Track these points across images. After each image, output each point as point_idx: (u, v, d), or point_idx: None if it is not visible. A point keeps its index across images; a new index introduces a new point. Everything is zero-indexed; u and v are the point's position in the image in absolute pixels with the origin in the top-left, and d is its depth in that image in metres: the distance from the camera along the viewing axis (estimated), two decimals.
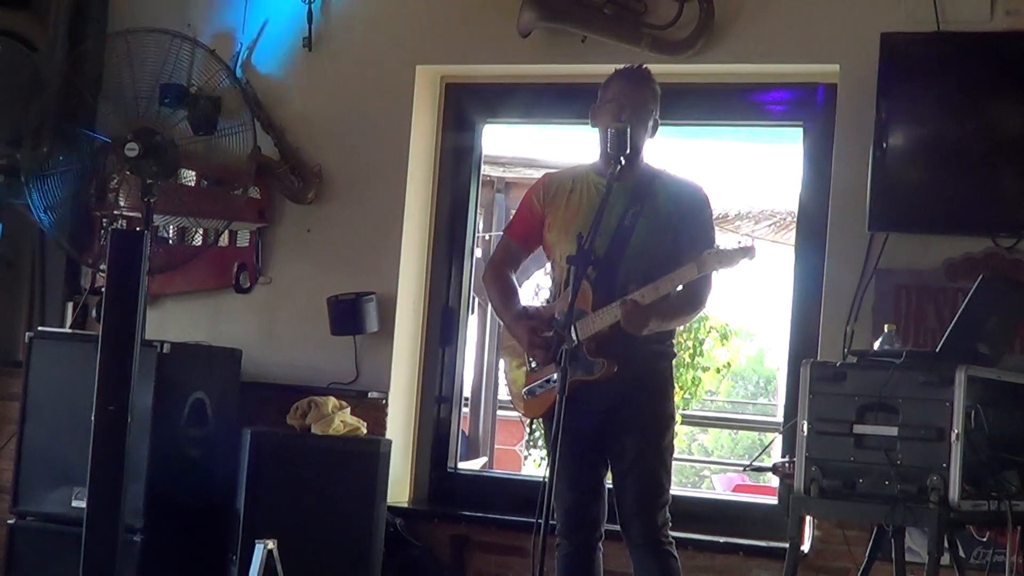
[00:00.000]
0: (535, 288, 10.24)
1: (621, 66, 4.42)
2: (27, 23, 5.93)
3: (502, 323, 4.58)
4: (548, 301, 4.42)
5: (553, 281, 4.43)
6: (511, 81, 5.79)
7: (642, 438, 4.23)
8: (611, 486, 4.33)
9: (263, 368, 5.66)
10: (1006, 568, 4.06)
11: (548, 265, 4.56)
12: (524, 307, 4.44)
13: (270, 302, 5.84)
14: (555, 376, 4.16)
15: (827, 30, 5.13)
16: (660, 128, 4.39)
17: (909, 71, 4.90)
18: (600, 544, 4.31)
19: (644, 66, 4.41)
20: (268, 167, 5.73)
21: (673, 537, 4.29)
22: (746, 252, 4.04)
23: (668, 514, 4.25)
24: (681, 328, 10.60)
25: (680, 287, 4.12)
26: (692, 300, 4.23)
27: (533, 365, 4.32)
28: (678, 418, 11.98)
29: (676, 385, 4.51)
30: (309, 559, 4.89)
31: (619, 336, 4.13)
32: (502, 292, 4.48)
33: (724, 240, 4.48)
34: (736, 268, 4.08)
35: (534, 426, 4.55)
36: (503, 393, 10.79)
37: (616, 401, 4.19)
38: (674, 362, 4.42)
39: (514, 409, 4.52)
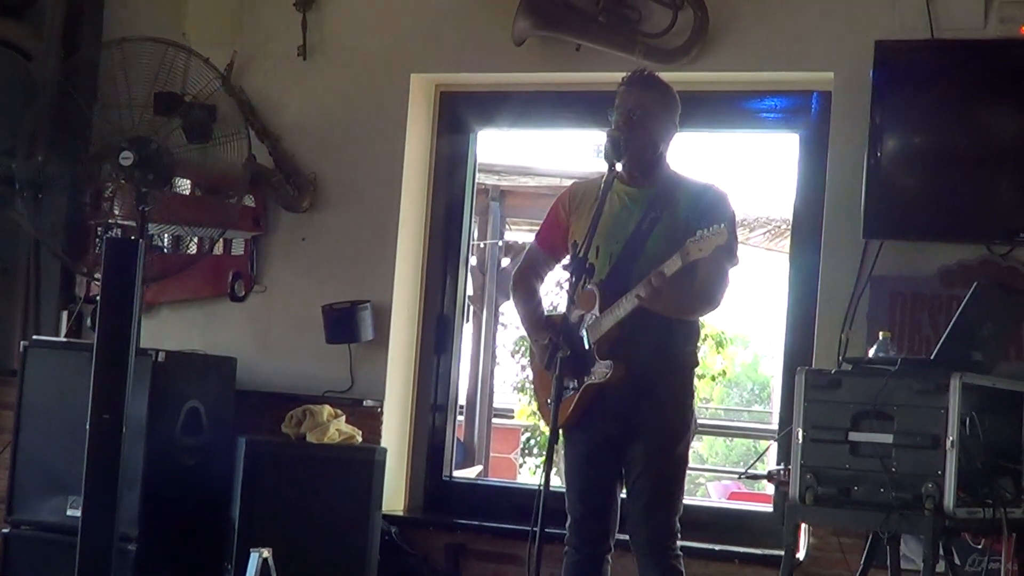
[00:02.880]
0: None
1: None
2: (22, 32, 5.93)
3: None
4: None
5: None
6: (506, 89, 5.79)
7: (656, 446, 4.17)
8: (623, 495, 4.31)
9: (258, 376, 5.65)
10: None
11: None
12: (546, 317, 4.42)
13: (265, 310, 5.84)
14: (572, 385, 4.15)
15: (821, 38, 5.14)
16: None
17: (903, 79, 4.90)
18: (609, 556, 4.28)
19: (648, 71, 4.36)
20: (263, 175, 5.73)
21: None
22: (717, 235, 3.94)
23: (678, 524, 4.22)
24: None
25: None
26: (702, 292, 4.16)
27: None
28: None
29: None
30: (304, 567, 4.88)
31: (629, 339, 4.10)
32: (525, 302, 4.47)
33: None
34: (712, 252, 3.99)
35: (523, 436, 4.52)
36: (498, 401, 10.81)
37: (628, 409, 4.15)
38: (696, 370, 4.36)
39: (509, 417, 4.52)
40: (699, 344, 4.42)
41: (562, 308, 4.54)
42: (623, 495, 4.28)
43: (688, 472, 4.37)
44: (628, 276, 4.13)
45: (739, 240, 4.12)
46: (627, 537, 4.26)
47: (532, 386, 4.51)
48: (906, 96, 4.91)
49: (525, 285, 4.49)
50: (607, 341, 4.11)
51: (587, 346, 4.09)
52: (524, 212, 10.95)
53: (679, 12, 5.24)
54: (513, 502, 5.49)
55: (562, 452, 4.33)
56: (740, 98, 5.50)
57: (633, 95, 4.25)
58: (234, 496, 5.11)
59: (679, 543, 4.23)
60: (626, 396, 4.13)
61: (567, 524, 4.22)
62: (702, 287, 4.16)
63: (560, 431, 4.25)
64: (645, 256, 4.15)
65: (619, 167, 4.20)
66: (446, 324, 5.87)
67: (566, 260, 4.04)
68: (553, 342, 4.05)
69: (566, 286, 4.23)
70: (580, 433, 4.17)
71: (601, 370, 4.11)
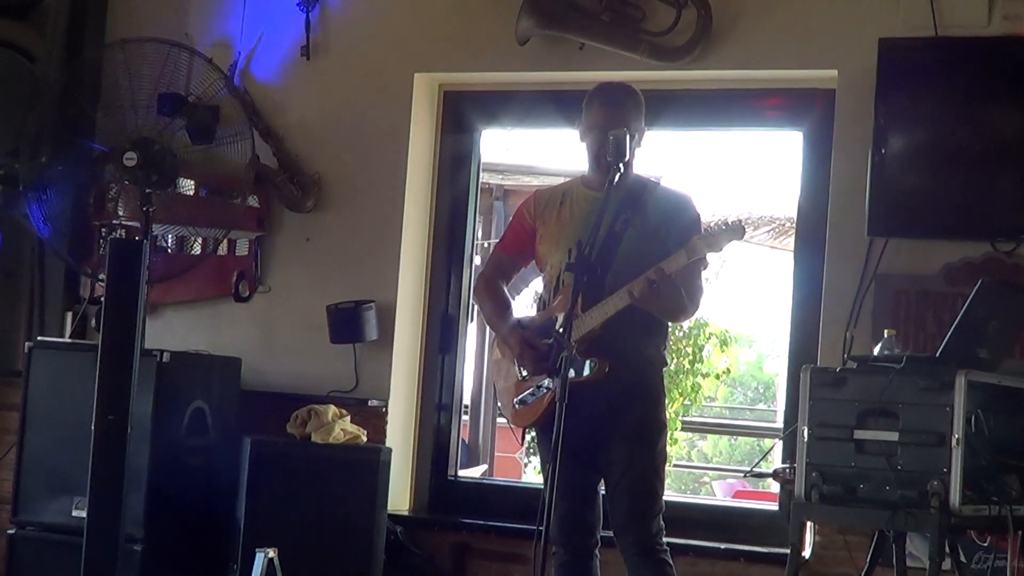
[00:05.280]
0: (534, 296, 10.24)
1: (604, 80, 4.47)
2: (25, 33, 5.92)
3: (496, 334, 4.58)
4: (539, 310, 4.44)
5: (545, 290, 4.45)
6: (509, 88, 5.79)
7: (634, 446, 4.23)
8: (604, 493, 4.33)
9: (263, 377, 5.65)
10: (1007, 573, 4.06)
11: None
12: (517, 318, 4.47)
13: (269, 311, 5.84)
14: (545, 384, 4.20)
15: (825, 36, 5.14)
16: (661, 130, 4.40)
17: (907, 76, 4.90)
18: (597, 551, 4.32)
19: (621, 81, 4.48)
20: (267, 176, 5.73)
21: (673, 544, 4.28)
22: (734, 231, 4.01)
23: (662, 522, 4.25)
24: (680, 333, 10.48)
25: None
26: (688, 294, 4.22)
27: (524, 374, 4.34)
28: (678, 424, 12.00)
29: (676, 391, 4.51)
30: (310, 568, 4.89)
31: (610, 338, 4.15)
32: (495, 304, 4.52)
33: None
34: (726, 250, 4.05)
35: (530, 435, 4.54)
36: None
37: (607, 408, 4.20)
38: (665, 370, 4.43)
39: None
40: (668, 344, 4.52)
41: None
42: (603, 491, 4.31)
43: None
44: (603, 278, 4.17)
45: (744, 239, 4.14)
46: (612, 534, 4.27)
47: (495, 387, 4.56)
48: (910, 93, 4.91)
49: (494, 288, 4.55)
50: (587, 340, 4.14)
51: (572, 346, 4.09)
52: None
53: (683, 10, 5.24)
54: (518, 501, 5.50)
55: (539, 451, 4.40)
56: (744, 96, 5.50)
57: (622, 100, 4.34)
58: (239, 496, 5.12)
59: (665, 539, 4.25)
60: (604, 396, 4.17)
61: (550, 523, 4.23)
62: (688, 289, 4.22)
63: (536, 430, 4.37)
64: (620, 257, 4.20)
65: (588, 172, 4.36)
66: (450, 323, 5.87)
67: (563, 262, 4.09)
68: (557, 341, 4.06)
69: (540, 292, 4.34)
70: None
71: (583, 367, 4.14)
